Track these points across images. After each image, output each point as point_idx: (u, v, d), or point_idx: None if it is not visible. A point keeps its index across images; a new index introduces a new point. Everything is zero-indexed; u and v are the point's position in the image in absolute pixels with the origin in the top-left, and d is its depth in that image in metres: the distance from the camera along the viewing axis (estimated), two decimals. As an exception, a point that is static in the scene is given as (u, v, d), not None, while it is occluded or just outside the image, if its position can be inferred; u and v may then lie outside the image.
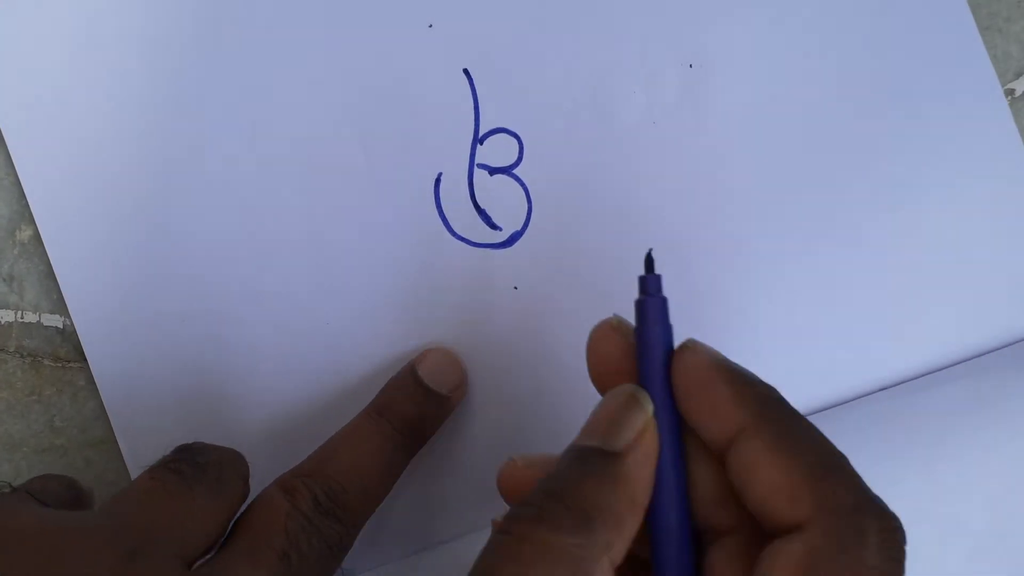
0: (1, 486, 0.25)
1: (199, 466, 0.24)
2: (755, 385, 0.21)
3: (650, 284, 0.22)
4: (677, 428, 0.22)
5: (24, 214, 0.32)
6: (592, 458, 0.20)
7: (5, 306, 0.32)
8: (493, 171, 0.33)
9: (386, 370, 0.32)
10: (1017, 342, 0.33)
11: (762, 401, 0.21)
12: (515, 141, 0.33)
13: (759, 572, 0.19)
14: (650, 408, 0.21)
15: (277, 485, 0.26)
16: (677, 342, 0.22)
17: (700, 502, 0.21)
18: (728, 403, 0.20)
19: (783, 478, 0.20)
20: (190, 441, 0.26)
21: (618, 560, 0.19)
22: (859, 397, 0.33)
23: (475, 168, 0.33)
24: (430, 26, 0.32)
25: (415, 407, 0.30)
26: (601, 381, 0.23)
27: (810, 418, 0.32)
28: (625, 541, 0.19)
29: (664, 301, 0.22)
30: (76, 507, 0.26)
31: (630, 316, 0.23)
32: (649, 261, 0.23)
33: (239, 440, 0.32)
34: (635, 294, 0.22)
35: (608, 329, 0.22)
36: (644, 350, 0.22)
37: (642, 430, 0.21)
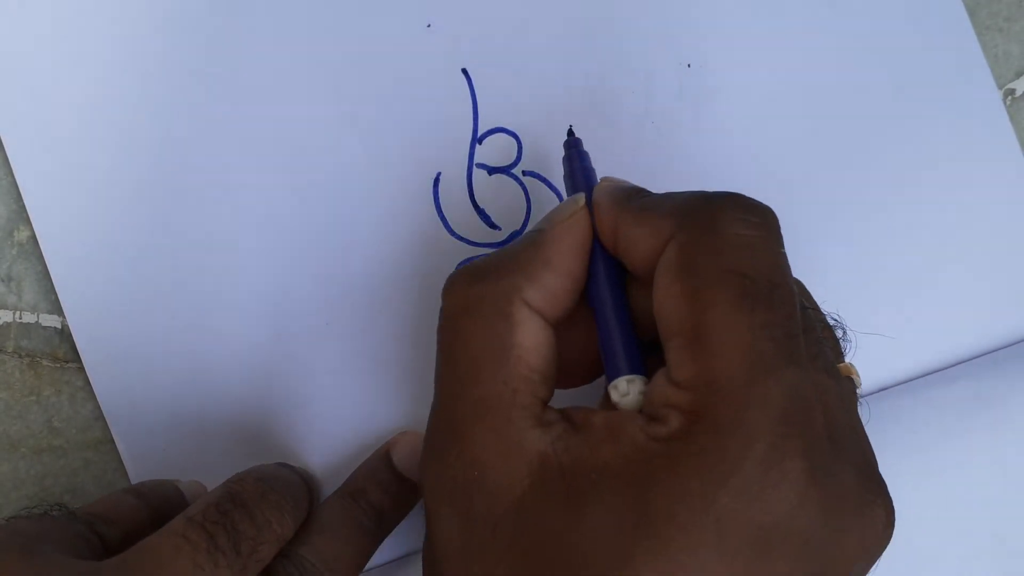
0: (53, 509, 0.24)
1: (236, 538, 0.24)
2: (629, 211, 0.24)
3: (573, 140, 0.29)
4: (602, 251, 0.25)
5: (22, 215, 0.32)
6: (525, 235, 0.25)
7: (3, 306, 0.32)
8: (492, 171, 0.33)
9: (386, 370, 0.32)
10: (1017, 342, 0.33)
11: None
12: (514, 141, 0.33)
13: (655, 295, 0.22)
14: (581, 201, 0.25)
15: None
16: None
17: (638, 320, 0.25)
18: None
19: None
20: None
21: (538, 305, 0.23)
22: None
23: (474, 168, 0.33)
24: (428, 26, 0.32)
25: (388, 496, 0.29)
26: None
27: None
28: (540, 290, 0.23)
29: (580, 147, 0.29)
30: (167, 516, 0.26)
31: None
32: (571, 132, 0.29)
33: (237, 441, 0.32)
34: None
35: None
36: (570, 185, 0.28)
37: (569, 214, 0.25)
